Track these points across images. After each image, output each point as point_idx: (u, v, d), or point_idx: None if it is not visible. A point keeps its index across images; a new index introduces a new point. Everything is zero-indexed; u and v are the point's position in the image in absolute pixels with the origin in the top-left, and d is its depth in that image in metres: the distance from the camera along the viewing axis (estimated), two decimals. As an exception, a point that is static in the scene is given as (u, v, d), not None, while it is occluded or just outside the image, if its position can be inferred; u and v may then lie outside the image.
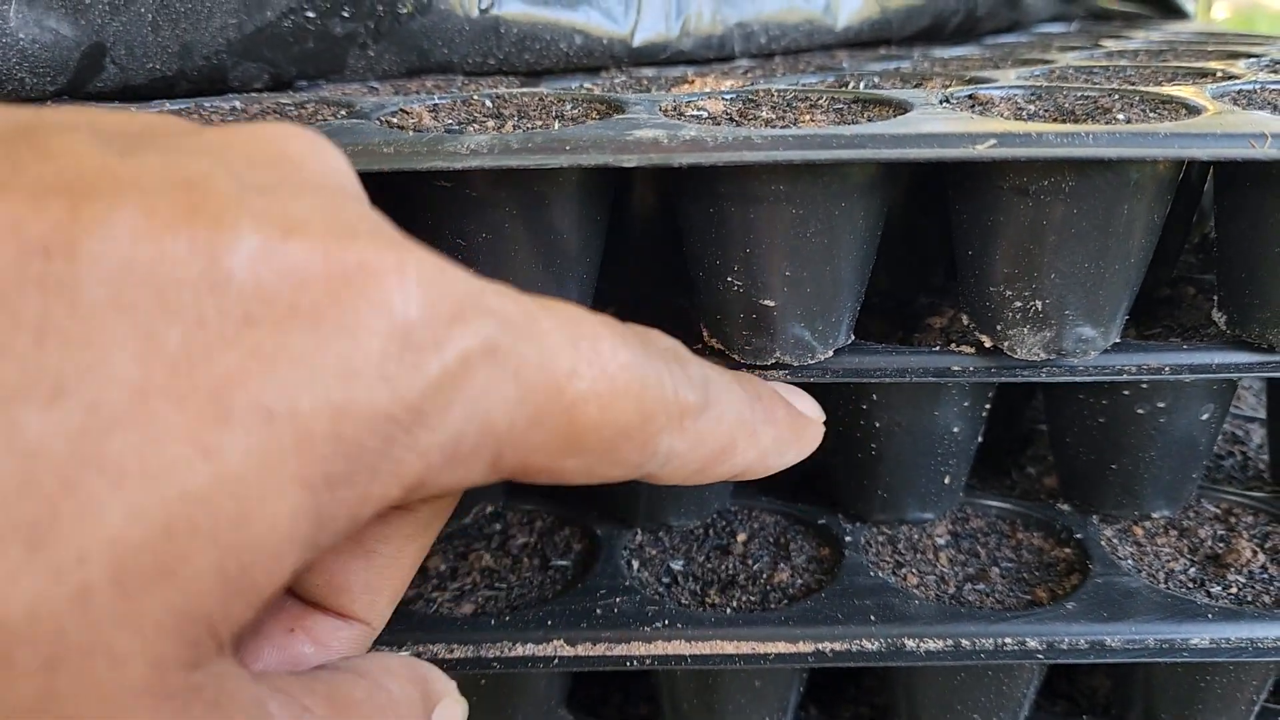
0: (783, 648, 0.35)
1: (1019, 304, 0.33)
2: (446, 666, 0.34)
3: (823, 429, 0.30)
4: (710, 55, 0.51)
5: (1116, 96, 0.35)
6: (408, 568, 0.25)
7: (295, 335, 0.16)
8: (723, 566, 0.39)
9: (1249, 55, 0.46)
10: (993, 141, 0.29)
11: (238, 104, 0.37)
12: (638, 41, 0.48)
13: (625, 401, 0.21)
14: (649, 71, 0.48)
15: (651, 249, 0.42)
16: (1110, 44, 0.56)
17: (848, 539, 0.40)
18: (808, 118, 0.33)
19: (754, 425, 0.27)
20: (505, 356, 0.19)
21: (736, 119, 0.33)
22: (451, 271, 0.19)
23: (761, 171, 0.30)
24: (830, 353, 0.34)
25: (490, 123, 0.34)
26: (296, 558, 0.17)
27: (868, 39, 0.58)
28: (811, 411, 0.30)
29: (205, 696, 0.17)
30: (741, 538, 0.41)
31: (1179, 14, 0.79)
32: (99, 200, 0.16)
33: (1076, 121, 0.32)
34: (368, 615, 0.24)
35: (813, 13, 0.54)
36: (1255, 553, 0.39)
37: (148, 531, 0.15)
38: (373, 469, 0.18)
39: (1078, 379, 0.34)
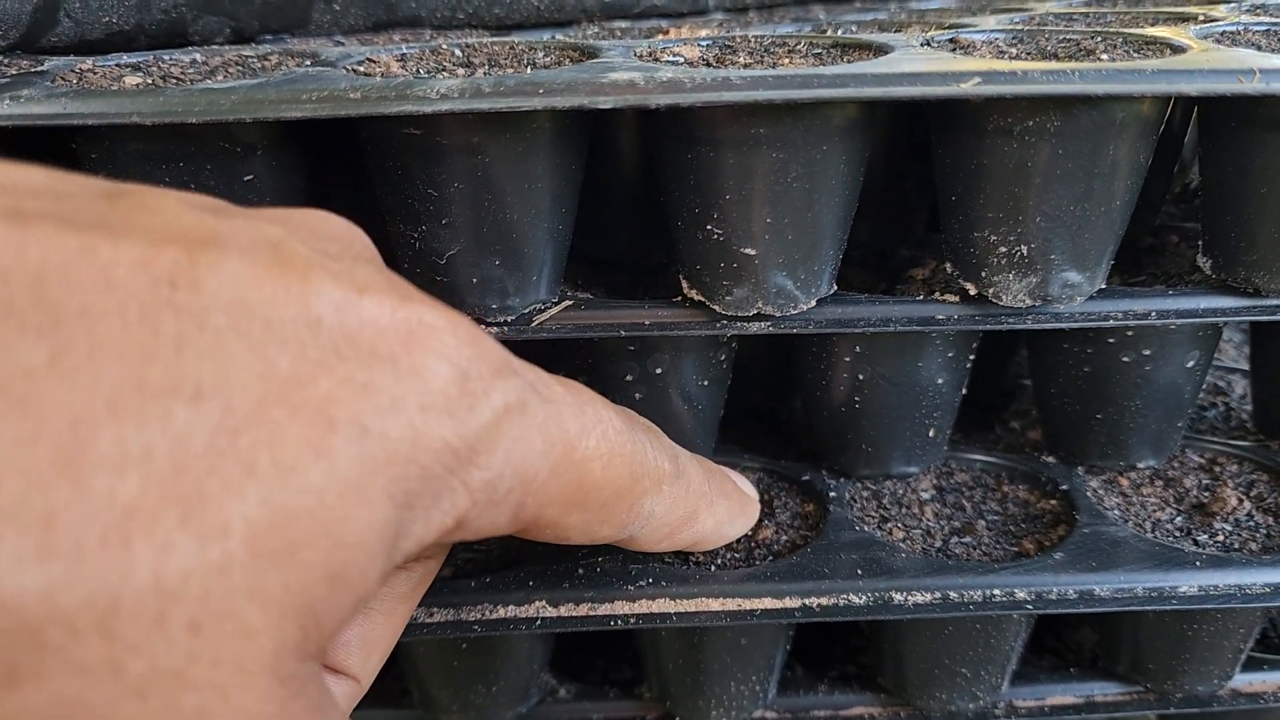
0: (769, 604, 0.34)
1: (1004, 249, 0.32)
2: (427, 631, 0.34)
3: (759, 510, 0.35)
4: (684, 10, 0.50)
5: (1100, 39, 0.34)
6: (398, 627, 0.27)
7: (379, 371, 0.19)
8: (706, 525, 0.39)
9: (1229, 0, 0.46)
10: (978, 79, 0.28)
11: (198, 56, 0.35)
12: (610, -6, 0.47)
13: (620, 463, 0.25)
14: (622, 24, 0.47)
15: (630, 203, 0.41)
16: (1088, -6, 0.55)
17: (832, 494, 0.39)
18: (786, 61, 0.32)
19: (712, 496, 0.31)
20: (533, 413, 0.22)
21: (713, 64, 0.32)
22: (486, 337, 0.22)
23: (741, 114, 0.29)
24: (813, 303, 0.33)
25: (461, 71, 0.33)
26: (381, 566, 0.20)
27: (844, -7, 0.57)
28: (751, 491, 0.35)
29: (308, 693, 0.19)
30: (724, 496, 0.41)
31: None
32: (208, 248, 0.18)
33: (1060, 62, 0.32)
34: (360, 671, 0.26)
35: (788, -35, 0.53)
36: (1241, 500, 0.39)
37: (275, 515, 0.17)
38: (436, 495, 0.20)
39: (1063, 325, 0.34)
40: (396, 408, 0.19)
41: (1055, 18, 0.43)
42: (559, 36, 0.42)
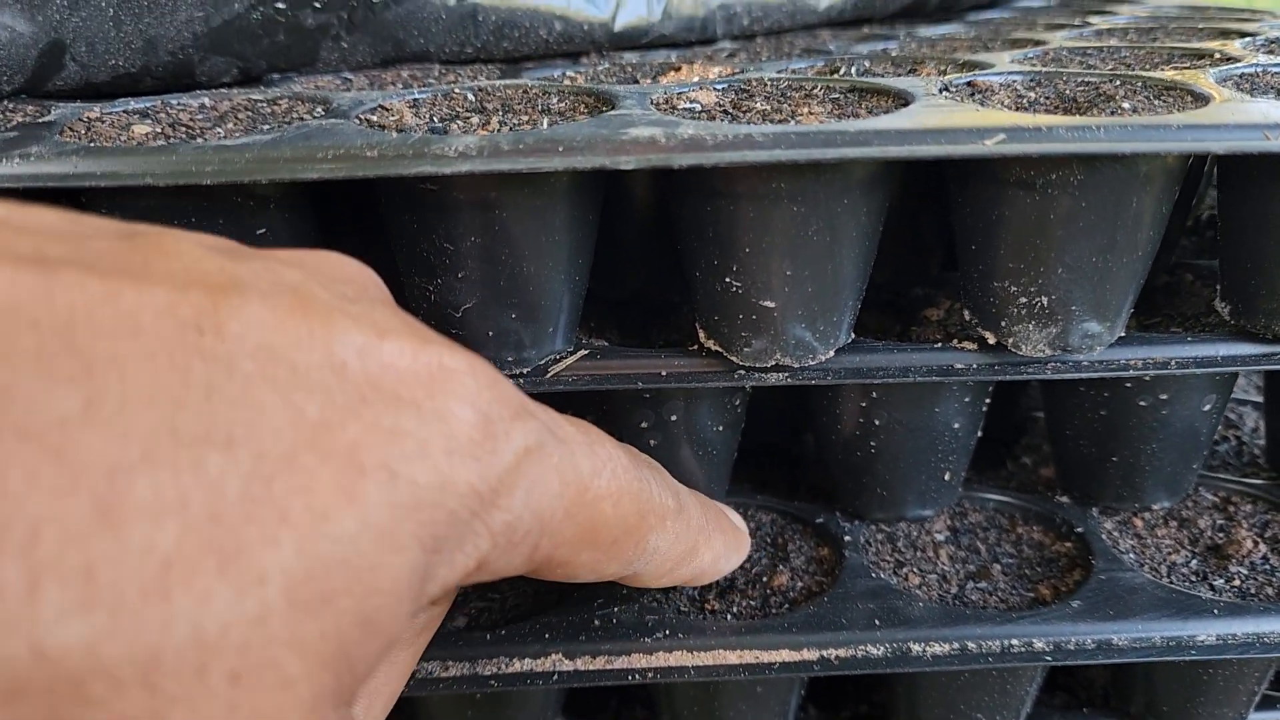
0: (786, 656, 0.34)
1: (1024, 300, 0.32)
2: (443, 686, 0.33)
3: (750, 541, 0.35)
4: (692, 38, 0.50)
5: (1119, 82, 0.34)
6: (404, 673, 0.27)
7: (405, 416, 0.19)
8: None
9: (1242, 34, 0.46)
10: (1002, 136, 0.28)
11: (206, 101, 0.35)
12: (619, 26, 0.46)
13: (629, 500, 0.25)
14: (631, 56, 0.47)
15: (643, 243, 0.41)
16: (1097, 21, 0.55)
17: (847, 538, 0.39)
18: (805, 110, 0.32)
19: (710, 531, 0.31)
20: (550, 454, 0.22)
21: (731, 111, 0.32)
22: (503, 379, 0.22)
23: (762, 169, 0.29)
24: (831, 353, 0.33)
25: (474, 118, 0.32)
26: (409, 610, 0.19)
27: (850, 18, 0.57)
28: (742, 525, 0.35)
29: None
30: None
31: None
32: (231, 292, 0.18)
33: (1080, 109, 0.31)
34: (364, 718, 0.26)
35: (796, -8, 0.53)
36: (1256, 543, 0.39)
37: (311, 563, 0.17)
38: (460, 538, 0.20)
39: (1083, 375, 0.34)
40: (423, 452, 0.19)
41: (1070, 53, 0.43)
42: (569, 74, 0.41)
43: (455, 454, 0.20)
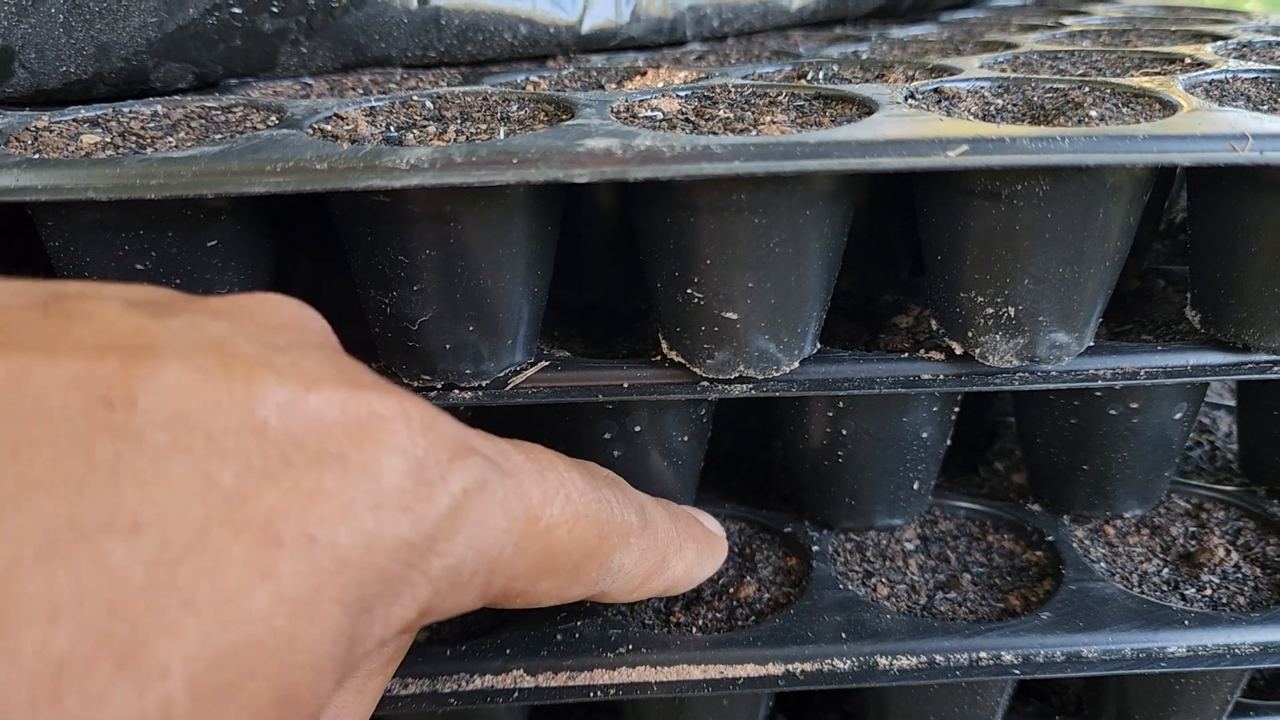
0: (751, 670, 0.33)
1: (991, 310, 0.32)
2: (401, 704, 0.33)
3: (727, 546, 0.34)
4: (661, 40, 0.49)
5: (1087, 89, 0.34)
6: (371, 702, 0.26)
7: (328, 475, 0.18)
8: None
9: (1214, 37, 0.45)
10: (965, 148, 0.27)
11: (160, 108, 0.34)
12: (586, 28, 0.46)
13: (586, 524, 0.25)
14: (598, 60, 0.46)
15: (607, 250, 0.40)
16: (1070, 22, 0.54)
17: (815, 548, 0.39)
18: (768, 118, 0.31)
19: (680, 541, 0.31)
20: (494, 490, 0.22)
21: (693, 119, 0.31)
22: (442, 416, 0.22)
23: (722, 181, 0.28)
24: (796, 364, 0.33)
25: (431, 127, 0.32)
26: (335, 677, 0.19)
27: (823, 18, 0.57)
28: (718, 530, 0.34)
29: None
30: (705, 548, 0.40)
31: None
32: (145, 357, 0.17)
33: (1047, 117, 0.31)
34: None
35: (767, -7, 0.52)
36: (1228, 551, 0.38)
37: (219, 649, 0.16)
38: (395, 593, 0.20)
39: (1051, 385, 0.33)
40: (347, 512, 0.19)
41: (1040, 56, 0.42)
42: (533, 79, 0.41)
43: (383, 509, 0.19)
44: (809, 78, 0.39)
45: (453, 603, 0.22)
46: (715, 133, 0.30)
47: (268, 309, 0.23)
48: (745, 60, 0.45)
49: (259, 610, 0.17)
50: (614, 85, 0.39)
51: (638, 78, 0.40)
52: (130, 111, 0.34)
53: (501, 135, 0.30)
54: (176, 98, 0.37)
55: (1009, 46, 0.45)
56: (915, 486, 0.39)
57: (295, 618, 0.17)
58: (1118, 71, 0.39)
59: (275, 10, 0.37)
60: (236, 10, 0.37)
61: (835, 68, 0.41)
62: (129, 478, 0.16)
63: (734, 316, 0.31)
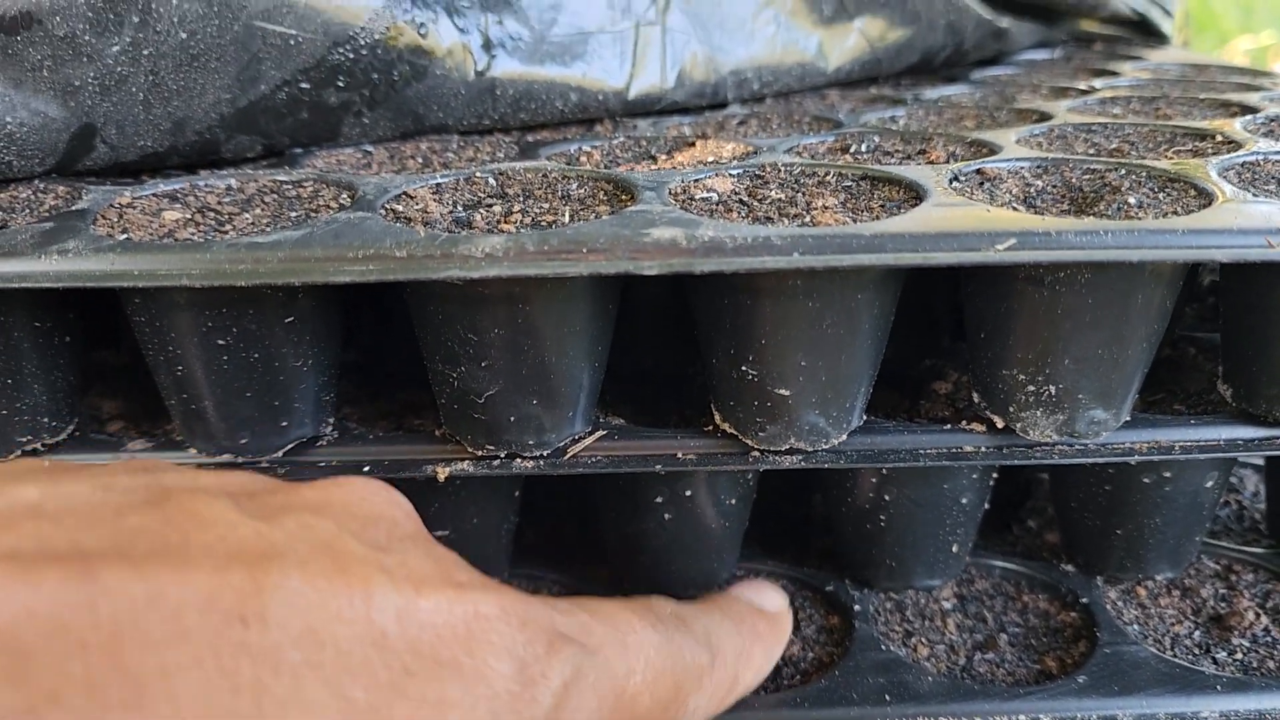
0: (799, 732, 0.35)
1: (1032, 388, 0.33)
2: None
3: (791, 616, 0.35)
4: (703, 104, 0.51)
5: (1124, 172, 0.35)
6: None
7: (449, 684, 0.20)
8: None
9: (1243, 107, 0.47)
10: (1012, 242, 0.28)
11: (233, 182, 0.36)
12: (633, 94, 0.47)
13: (665, 680, 0.27)
14: (644, 125, 0.47)
15: (657, 321, 0.42)
16: (1100, 85, 0.56)
17: (856, 607, 0.40)
18: (819, 201, 0.33)
19: (748, 650, 0.32)
20: (584, 675, 0.23)
21: (746, 200, 0.33)
22: (532, 605, 0.23)
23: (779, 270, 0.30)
24: (844, 436, 0.34)
25: (497, 206, 0.33)
26: None
27: (858, 78, 0.58)
28: (778, 605, 0.35)
29: None
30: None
31: (1157, 36, 0.79)
32: (269, 568, 0.18)
33: (1086, 200, 0.32)
34: None
35: (805, 55, 0.54)
36: (1258, 615, 0.39)
37: None
38: None
39: (1090, 460, 0.34)
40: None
41: (1074, 129, 0.44)
42: (585, 148, 0.42)
43: (499, 713, 0.21)
44: (852, 150, 0.40)
45: None
46: (770, 217, 0.31)
47: (362, 500, 0.24)
48: (786, 124, 0.47)
49: None
50: (664, 156, 0.41)
51: (687, 149, 0.41)
52: (205, 186, 0.36)
53: (566, 218, 0.31)
54: (247, 170, 0.38)
55: (1043, 117, 0.46)
56: (954, 549, 0.40)
57: None
58: (1150, 146, 0.40)
59: (341, 85, 0.39)
60: (305, 86, 0.38)
61: (877, 139, 0.42)
62: (270, 700, 0.18)
63: (786, 393, 0.32)
